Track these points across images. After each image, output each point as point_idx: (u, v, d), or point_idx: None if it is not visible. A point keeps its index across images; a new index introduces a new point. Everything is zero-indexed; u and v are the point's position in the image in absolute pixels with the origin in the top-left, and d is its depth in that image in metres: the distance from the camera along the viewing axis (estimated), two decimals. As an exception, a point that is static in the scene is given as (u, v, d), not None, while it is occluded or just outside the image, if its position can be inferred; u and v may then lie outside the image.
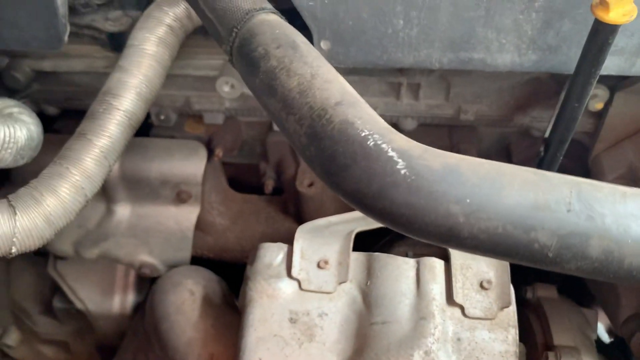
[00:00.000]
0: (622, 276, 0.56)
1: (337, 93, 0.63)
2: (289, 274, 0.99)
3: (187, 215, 1.33)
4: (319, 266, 1.00)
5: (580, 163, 1.24)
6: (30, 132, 0.91)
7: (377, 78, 1.14)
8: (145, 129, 1.43)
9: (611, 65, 0.85)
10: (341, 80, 0.67)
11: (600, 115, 1.13)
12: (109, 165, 0.88)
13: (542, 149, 0.94)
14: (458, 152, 1.31)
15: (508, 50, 0.84)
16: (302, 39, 0.72)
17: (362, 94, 1.19)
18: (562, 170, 1.31)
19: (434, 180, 0.56)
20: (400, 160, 0.57)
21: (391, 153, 0.57)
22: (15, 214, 0.79)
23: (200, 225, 1.34)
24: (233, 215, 1.38)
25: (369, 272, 0.99)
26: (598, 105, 1.06)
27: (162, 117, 1.33)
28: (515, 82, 1.11)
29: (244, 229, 1.37)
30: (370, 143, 0.58)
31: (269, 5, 0.78)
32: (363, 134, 0.59)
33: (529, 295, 1.10)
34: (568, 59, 0.83)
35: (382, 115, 1.21)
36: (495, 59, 0.85)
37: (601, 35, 0.72)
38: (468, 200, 0.55)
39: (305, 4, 0.83)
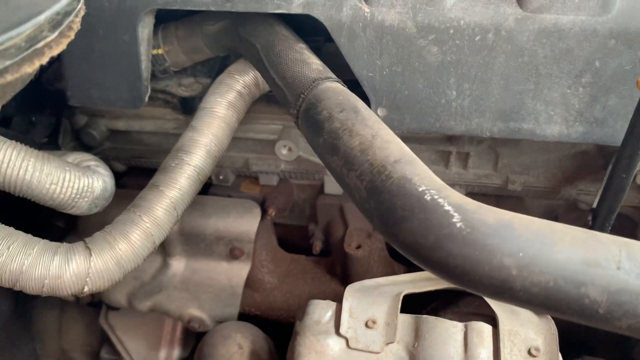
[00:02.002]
0: (674, 337, 0.57)
1: (396, 152, 0.69)
2: (337, 331, 1.01)
3: (238, 272, 1.38)
4: (366, 325, 1.02)
5: (630, 238, 1.24)
6: (105, 184, 0.99)
7: (426, 146, 1.20)
8: (204, 187, 1.51)
9: (657, 138, 0.88)
10: (399, 141, 0.72)
11: (646, 190, 1.14)
12: (177, 215, 0.95)
13: (589, 218, 0.96)
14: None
15: (556, 122, 0.89)
16: (363, 104, 0.79)
17: (412, 162, 1.25)
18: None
19: (489, 233, 0.59)
20: (456, 214, 0.61)
21: (447, 207, 0.61)
22: (91, 255, 0.86)
23: (249, 283, 1.39)
24: (281, 274, 1.42)
25: (417, 334, 1.00)
26: (646, 180, 1.08)
27: (221, 177, 1.42)
28: (563, 154, 1.15)
29: (291, 289, 1.41)
30: (427, 197, 0.62)
31: (333, 75, 0.86)
32: (420, 189, 0.63)
33: (578, 367, 1.08)
34: (615, 132, 0.87)
35: (431, 183, 1.28)
36: (544, 129, 0.90)
37: (647, 109, 0.76)
38: (521, 254, 0.58)
39: (366, 75, 0.90)
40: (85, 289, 0.86)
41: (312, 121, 0.79)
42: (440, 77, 0.88)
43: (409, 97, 0.91)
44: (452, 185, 1.30)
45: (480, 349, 0.94)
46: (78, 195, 0.94)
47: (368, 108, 0.79)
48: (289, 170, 1.35)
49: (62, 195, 0.90)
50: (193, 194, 0.98)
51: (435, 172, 1.24)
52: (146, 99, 1.01)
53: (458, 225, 0.60)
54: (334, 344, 1.00)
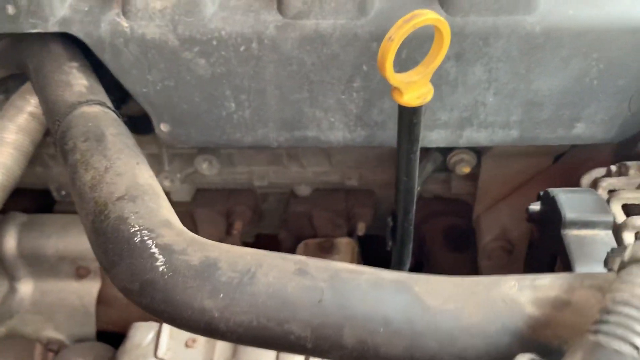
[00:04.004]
0: (382, 365, 0.56)
1: (123, 187, 0.65)
2: (156, 354, 0.98)
3: (88, 290, 1.34)
4: (186, 345, 1.00)
5: (467, 219, 1.25)
6: None
7: (255, 150, 1.16)
8: (49, 204, 1.45)
9: (439, 138, 0.87)
10: (137, 172, 0.68)
11: (476, 178, 1.14)
12: (-40, 254, 0.89)
13: (390, 219, 0.95)
14: (353, 215, 1.33)
15: (338, 127, 0.86)
16: (115, 130, 0.74)
17: (250, 164, 1.22)
18: (456, 230, 1.32)
19: (190, 276, 0.56)
20: (160, 256, 0.57)
21: (154, 249, 0.58)
22: None
23: (103, 299, 1.34)
24: (137, 287, 1.38)
25: (235, 348, 0.98)
26: (465, 169, 1.07)
27: (63, 193, 1.35)
28: (392, 148, 1.13)
29: (147, 301, 1.37)
30: (137, 239, 0.59)
31: (97, 97, 0.81)
32: (132, 230, 0.60)
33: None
34: (395, 134, 0.85)
35: (275, 184, 1.25)
36: (328, 136, 0.87)
37: (405, 115, 0.74)
38: (221, 295, 0.55)
39: (140, 91, 0.85)
40: None
41: (62, 152, 0.74)
42: (215, 89, 0.84)
43: (189, 111, 0.87)
44: (298, 184, 1.28)
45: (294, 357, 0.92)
46: None
47: (121, 134, 0.75)
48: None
49: None
50: (-22, 231, 0.92)
51: (275, 172, 1.24)
52: None
53: (161, 269, 0.57)
54: (151, 368, 0.97)
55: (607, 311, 0.47)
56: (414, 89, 0.71)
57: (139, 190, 0.65)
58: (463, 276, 0.60)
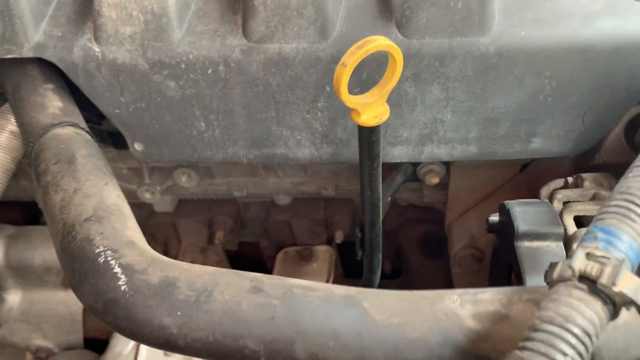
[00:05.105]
0: (334, 377, 0.59)
1: (91, 208, 0.68)
2: (135, 362, 1.02)
3: (74, 299, 1.36)
4: (165, 354, 1.03)
5: (441, 227, 1.29)
6: None
7: (232, 161, 1.20)
8: (35, 216, 1.48)
9: (401, 154, 0.91)
10: (105, 193, 0.71)
11: (447, 188, 1.18)
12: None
13: (357, 230, 0.98)
14: (332, 224, 1.36)
15: (305, 145, 0.90)
16: (85, 152, 0.78)
17: (228, 176, 1.26)
18: (431, 237, 1.35)
19: (149, 295, 0.60)
20: (122, 276, 0.61)
21: (116, 269, 0.61)
22: None
23: (90, 308, 1.38)
24: (122, 295, 1.42)
25: (212, 356, 1.01)
26: (434, 180, 1.11)
27: (49, 205, 1.39)
28: (362, 161, 1.16)
29: (133, 309, 1.40)
30: (101, 260, 0.62)
31: (71, 118, 0.84)
32: (97, 251, 0.63)
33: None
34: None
35: (254, 194, 1.29)
36: (296, 153, 0.91)
37: (364, 134, 0.77)
38: (179, 313, 0.59)
39: (113, 112, 0.89)
40: None
41: (35, 174, 0.77)
42: (185, 110, 0.88)
43: (161, 130, 0.90)
44: (277, 194, 1.31)
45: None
46: None
47: (92, 155, 0.78)
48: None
49: None
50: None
51: (254, 183, 1.27)
52: None
53: (123, 288, 0.60)
54: (131, 377, 1.01)
55: (533, 328, 0.50)
56: (371, 109, 0.74)
57: (106, 211, 0.69)
58: (412, 290, 0.63)
